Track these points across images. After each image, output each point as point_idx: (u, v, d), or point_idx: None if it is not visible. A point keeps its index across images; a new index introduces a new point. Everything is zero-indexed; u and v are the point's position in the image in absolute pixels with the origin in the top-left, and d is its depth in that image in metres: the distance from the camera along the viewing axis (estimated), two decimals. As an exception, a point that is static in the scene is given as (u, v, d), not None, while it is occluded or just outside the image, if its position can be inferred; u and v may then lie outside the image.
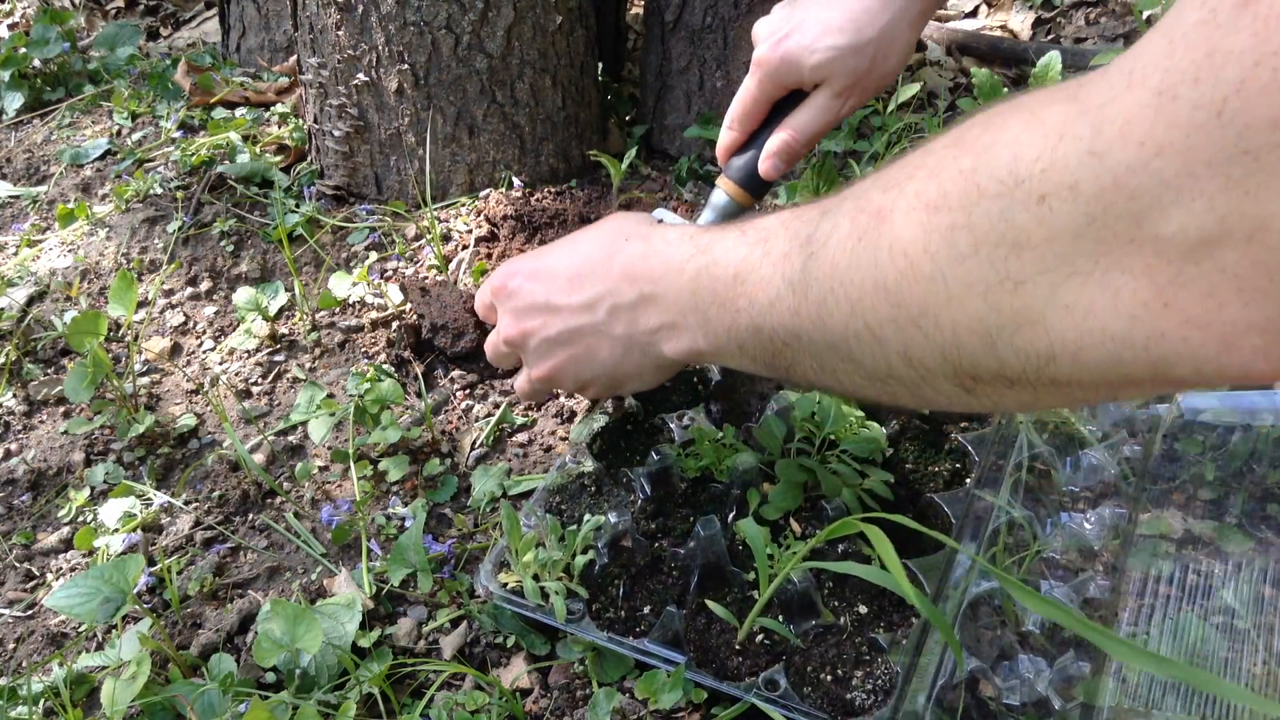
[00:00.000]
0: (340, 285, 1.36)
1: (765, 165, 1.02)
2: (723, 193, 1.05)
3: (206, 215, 1.52)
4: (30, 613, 1.01)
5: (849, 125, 1.62)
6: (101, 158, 1.68)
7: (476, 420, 1.18)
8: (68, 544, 1.08)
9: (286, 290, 1.37)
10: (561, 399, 1.19)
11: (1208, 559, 0.91)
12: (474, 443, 1.14)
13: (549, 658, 0.91)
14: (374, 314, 1.33)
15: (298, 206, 1.50)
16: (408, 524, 1.04)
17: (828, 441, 0.98)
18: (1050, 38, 2.07)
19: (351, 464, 1.10)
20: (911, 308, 0.54)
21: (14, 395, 1.27)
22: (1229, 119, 0.37)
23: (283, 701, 0.83)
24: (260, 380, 1.27)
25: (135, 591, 0.87)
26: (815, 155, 1.49)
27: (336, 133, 1.50)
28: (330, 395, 1.17)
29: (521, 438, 1.15)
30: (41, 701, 0.88)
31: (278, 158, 1.64)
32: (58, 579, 1.04)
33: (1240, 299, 0.40)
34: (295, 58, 1.71)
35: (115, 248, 1.47)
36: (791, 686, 0.79)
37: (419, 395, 1.20)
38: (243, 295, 1.35)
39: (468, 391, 1.22)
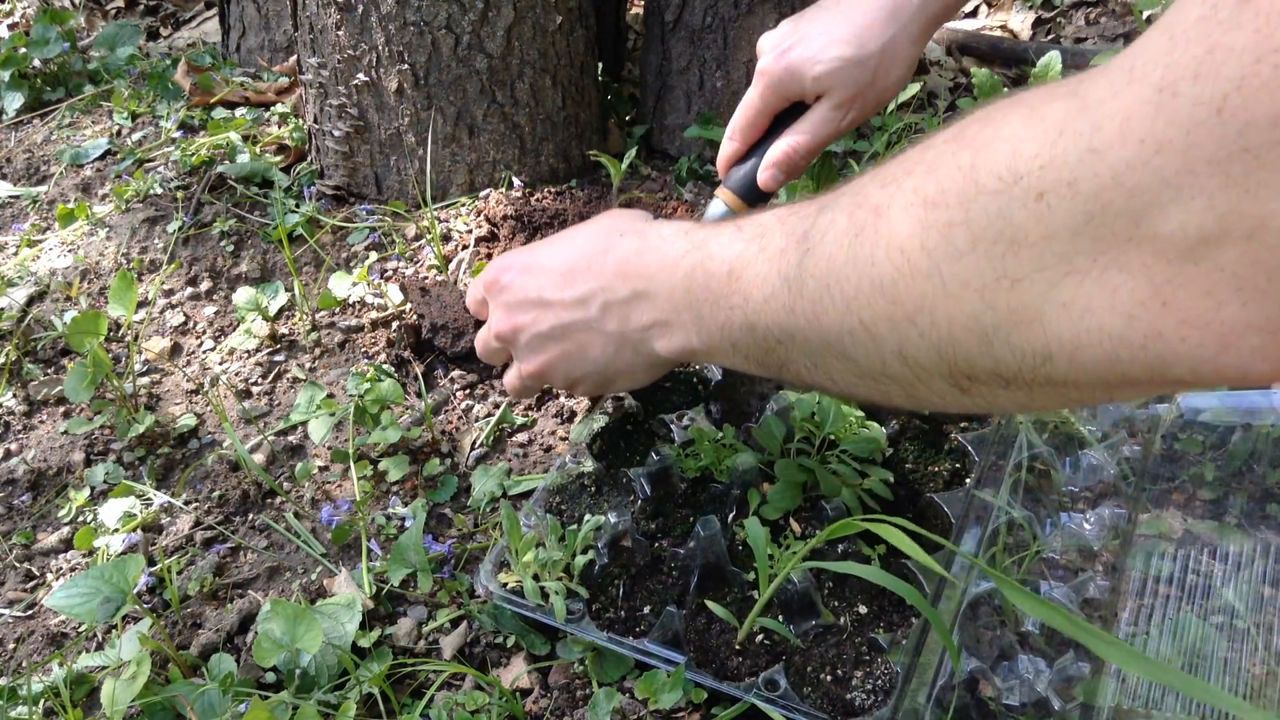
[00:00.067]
0: (340, 285, 1.36)
1: (765, 175, 1.02)
2: (721, 202, 1.05)
3: (206, 215, 1.52)
4: (30, 613, 1.01)
5: (849, 125, 1.62)
6: (101, 158, 1.68)
7: (476, 420, 1.18)
8: (68, 544, 1.08)
9: (286, 290, 1.37)
10: (562, 399, 1.19)
11: (1208, 559, 0.91)
12: (474, 443, 1.14)
13: (549, 658, 0.91)
14: (374, 314, 1.33)
15: (298, 206, 1.50)
16: (408, 524, 1.04)
17: (827, 441, 0.98)
18: (1050, 38, 2.07)
19: (351, 464, 1.10)
20: (907, 305, 0.53)
21: (14, 395, 1.27)
22: (1230, 116, 0.37)
23: (283, 701, 0.83)
24: (260, 380, 1.27)
25: (135, 591, 0.87)
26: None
27: (336, 133, 1.50)
28: (330, 395, 1.17)
29: (521, 438, 1.15)
30: (41, 701, 0.88)
31: (278, 158, 1.64)
32: (58, 579, 1.04)
33: (1239, 298, 0.40)
34: (295, 58, 1.71)
35: (115, 248, 1.47)
36: (791, 686, 0.79)
37: (419, 395, 1.20)
38: (243, 295, 1.35)
39: (468, 391, 1.22)
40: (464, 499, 1.08)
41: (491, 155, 1.50)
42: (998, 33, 2.07)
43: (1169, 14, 0.41)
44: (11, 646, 0.98)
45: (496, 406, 1.19)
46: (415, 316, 1.28)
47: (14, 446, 1.20)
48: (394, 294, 1.34)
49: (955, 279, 0.50)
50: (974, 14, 2.17)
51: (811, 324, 0.62)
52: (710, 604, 0.86)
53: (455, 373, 1.24)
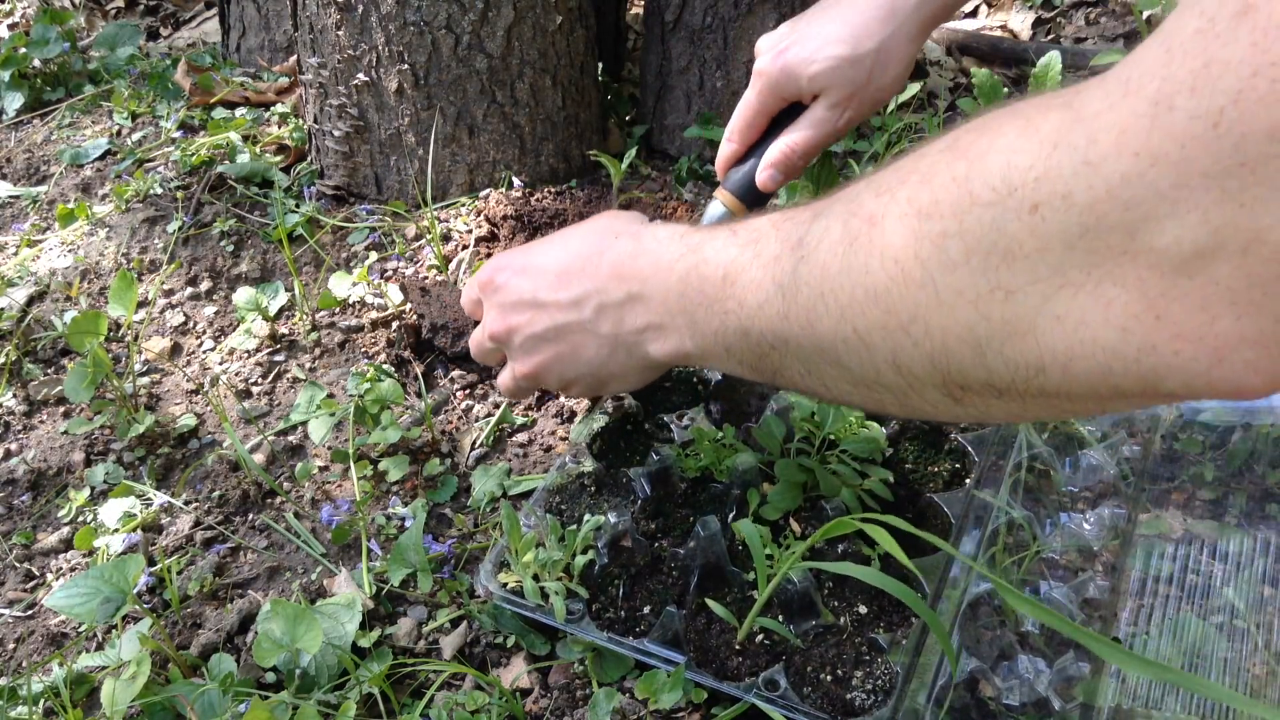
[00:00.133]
0: (340, 285, 1.36)
1: (763, 176, 1.02)
2: (720, 204, 1.05)
3: (206, 215, 1.52)
4: (30, 613, 1.01)
5: (849, 125, 1.62)
6: (101, 158, 1.68)
7: (476, 420, 1.18)
8: (68, 544, 1.08)
9: (286, 290, 1.37)
10: (562, 399, 1.19)
11: (1208, 559, 0.91)
12: (474, 443, 1.14)
13: (549, 658, 0.91)
14: (374, 314, 1.33)
15: (298, 206, 1.50)
16: (408, 524, 1.04)
17: (827, 441, 0.98)
18: (1050, 38, 2.07)
19: (351, 464, 1.10)
20: (901, 314, 0.53)
21: (14, 395, 1.27)
22: (1225, 130, 0.37)
23: (283, 701, 0.83)
24: (260, 380, 1.27)
25: (135, 591, 0.87)
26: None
27: (336, 133, 1.50)
28: (330, 395, 1.17)
29: (521, 438, 1.15)
30: (41, 701, 0.89)
31: (278, 158, 1.64)
32: (58, 579, 1.04)
33: (1233, 312, 0.40)
34: (295, 58, 1.71)
35: (115, 248, 1.47)
36: (791, 686, 0.79)
37: (419, 395, 1.20)
38: (243, 295, 1.35)
39: (468, 391, 1.22)
40: (464, 499, 1.08)
41: (491, 155, 1.50)
42: (998, 33, 2.07)
43: (1166, 26, 0.41)
44: (11, 646, 0.98)
45: (496, 406, 1.19)
46: (415, 316, 1.28)
47: (14, 446, 1.20)
48: (394, 294, 1.34)
49: (949, 289, 0.50)
50: (974, 14, 2.17)
51: (805, 331, 0.62)
52: (710, 604, 0.86)
53: (455, 373, 1.24)
